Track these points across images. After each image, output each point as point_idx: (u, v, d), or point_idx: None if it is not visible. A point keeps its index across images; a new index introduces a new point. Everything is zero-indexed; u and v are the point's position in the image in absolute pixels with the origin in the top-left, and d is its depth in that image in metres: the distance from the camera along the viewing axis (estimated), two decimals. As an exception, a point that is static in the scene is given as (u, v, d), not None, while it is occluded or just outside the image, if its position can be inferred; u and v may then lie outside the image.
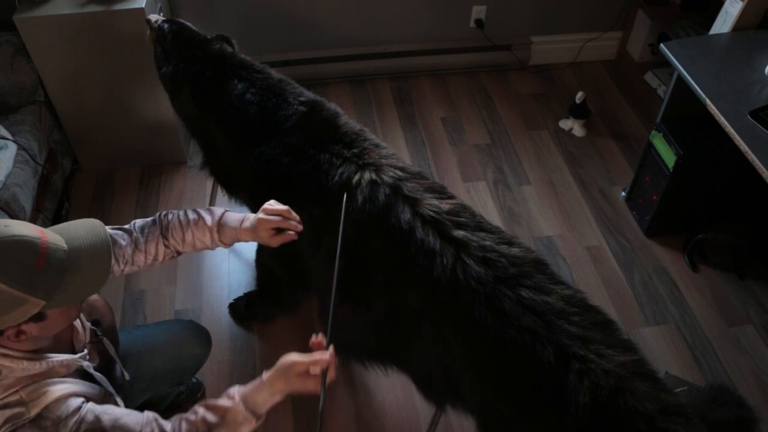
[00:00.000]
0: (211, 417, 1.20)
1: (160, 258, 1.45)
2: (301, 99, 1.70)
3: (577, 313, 1.23)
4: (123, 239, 1.38)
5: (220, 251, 2.43)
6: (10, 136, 2.25)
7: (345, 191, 1.45)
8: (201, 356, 1.74)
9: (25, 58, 2.38)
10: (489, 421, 1.39)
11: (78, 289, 1.10)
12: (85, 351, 1.28)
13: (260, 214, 1.41)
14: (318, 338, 1.20)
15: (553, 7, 3.21)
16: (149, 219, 1.45)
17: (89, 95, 2.50)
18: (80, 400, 1.13)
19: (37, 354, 1.13)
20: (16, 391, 1.09)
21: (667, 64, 2.27)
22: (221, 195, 2.21)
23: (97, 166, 2.76)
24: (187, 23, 1.90)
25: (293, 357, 1.19)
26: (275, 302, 2.11)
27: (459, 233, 1.34)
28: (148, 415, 1.19)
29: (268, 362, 1.28)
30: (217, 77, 1.75)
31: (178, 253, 1.48)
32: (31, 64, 2.39)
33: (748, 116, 1.87)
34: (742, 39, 2.20)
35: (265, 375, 1.21)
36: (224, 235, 1.45)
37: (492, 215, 2.59)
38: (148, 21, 1.95)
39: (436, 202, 1.40)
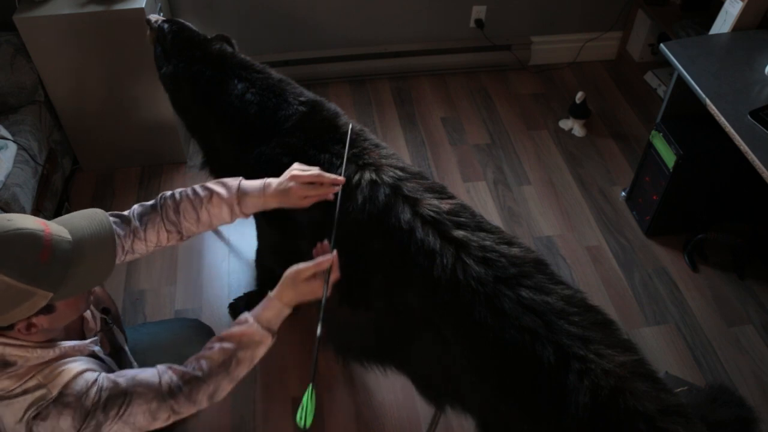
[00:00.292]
0: (227, 345, 1.23)
1: (164, 243, 1.40)
2: (301, 99, 1.70)
3: (577, 313, 1.23)
4: (121, 229, 1.34)
5: (220, 251, 2.43)
6: (10, 136, 2.25)
7: (344, 190, 1.45)
8: None
9: (25, 58, 2.38)
10: (489, 421, 1.39)
11: (84, 280, 1.10)
12: (97, 337, 1.29)
13: (291, 182, 1.36)
14: (323, 243, 1.28)
15: (553, 7, 3.21)
16: (149, 204, 1.39)
17: (89, 95, 2.50)
18: (95, 373, 1.15)
19: (49, 343, 1.14)
20: (33, 376, 1.10)
21: (667, 64, 2.27)
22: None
23: (97, 166, 2.76)
24: (187, 23, 1.90)
25: (298, 266, 1.25)
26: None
27: (459, 233, 1.34)
28: (160, 366, 1.21)
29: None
30: (217, 77, 1.75)
31: (186, 237, 1.42)
32: (31, 64, 2.39)
33: (748, 116, 1.87)
34: (742, 39, 2.20)
35: (272, 292, 1.27)
36: (246, 205, 1.39)
37: (492, 215, 2.60)
38: (148, 21, 1.94)
39: (436, 202, 1.40)
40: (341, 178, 1.41)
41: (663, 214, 2.43)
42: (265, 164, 1.64)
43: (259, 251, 2.08)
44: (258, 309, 1.27)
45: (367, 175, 1.46)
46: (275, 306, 1.26)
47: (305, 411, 1.14)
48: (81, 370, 1.14)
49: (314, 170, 1.39)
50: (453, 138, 2.97)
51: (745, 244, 2.35)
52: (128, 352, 1.44)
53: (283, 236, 1.79)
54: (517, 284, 1.27)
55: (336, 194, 1.39)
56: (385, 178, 1.45)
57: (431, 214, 1.37)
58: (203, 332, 1.73)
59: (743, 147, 1.80)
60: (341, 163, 1.49)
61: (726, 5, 2.25)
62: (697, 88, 2.00)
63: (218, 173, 1.97)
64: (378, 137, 1.67)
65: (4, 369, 1.08)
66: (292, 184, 1.36)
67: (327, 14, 3.04)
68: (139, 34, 2.27)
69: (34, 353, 1.10)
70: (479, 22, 3.18)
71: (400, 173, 1.47)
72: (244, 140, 1.69)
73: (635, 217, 2.58)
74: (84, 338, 1.28)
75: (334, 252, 1.27)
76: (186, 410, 1.20)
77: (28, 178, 2.23)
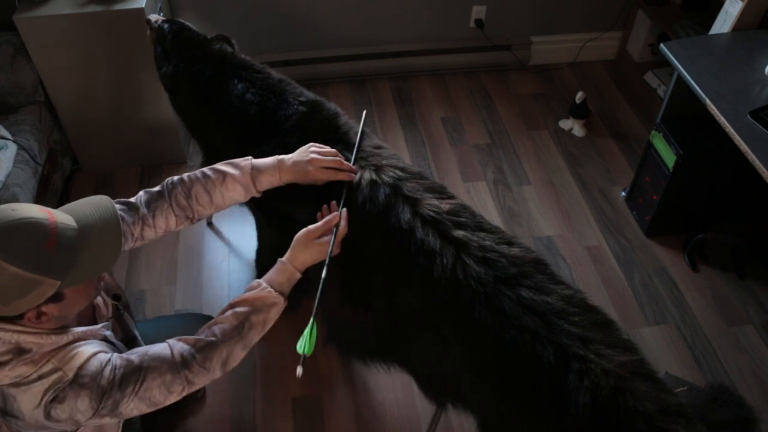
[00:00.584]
0: (240, 309, 1.25)
1: (172, 228, 1.41)
2: (301, 99, 1.70)
3: (577, 313, 1.23)
4: (129, 216, 1.35)
5: (220, 251, 2.43)
6: (10, 136, 2.25)
7: (346, 190, 1.45)
8: None
9: (25, 58, 2.38)
10: (489, 421, 1.39)
11: (91, 266, 1.10)
12: (109, 323, 1.30)
13: (310, 165, 1.41)
14: (332, 204, 1.34)
15: (553, 7, 3.21)
16: (155, 190, 1.40)
17: (89, 95, 2.50)
18: (108, 354, 1.17)
19: (62, 329, 1.15)
20: (48, 361, 1.12)
21: (667, 64, 2.27)
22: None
23: (97, 166, 2.76)
24: (187, 23, 1.90)
25: (307, 228, 1.30)
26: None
27: (459, 233, 1.34)
28: (170, 339, 1.22)
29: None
30: (217, 77, 1.75)
31: (196, 220, 1.44)
32: (31, 64, 2.39)
33: (748, 116, 1.87)
34: (742, 39, 2.20)
35: (284, 257, 1.30)
36: (261, 183, 1.42)
37: (492, 215, 2.60)
38: (148, 21, 1.95)
39: (436, 202, 1.40)
40: (354, 168, 1.48)
41: (663, 214, 2.43)
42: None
43: (259, 251, 2.08)
44: (270, 274, 1.30)
45: (367, 175, 1.46)
46: (287, 269, 1.29)
47: (305, 340, 1.21)
48: (94, 351, 1.15)
49: (332, 152, 1.45)
50: (453, 138, 2.97)
51: (745, 244, 2.35)
52: (140, 340, 1.45)
53: (283, 236, 1.78)
54: (517, 284, 1.27)
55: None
56: (385, 178, 1.45)
57: (431, 214, 1.37)
58: None
59: (743, 147, 1.80)
60: (352, 153, 1.53)
61: (726, 5, 2.25)
62: (697, 88, 2.00)
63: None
64: (378, 137, 1.67)
65: (19, 356, 1.09)
66: (311, 167, 1.41)
67: (327, 14, 3.04)
68: (139, 34, 2.27)
69: (48, 339, 1.11)
70: (479, 22, 3.18)
71: (400, 173, 1.47)
72: (244, 140, 1.69)
73: (635, 217, 2.58)
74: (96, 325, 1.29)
75: (344, 210, 1.33)
76: (200, 379, 1.21)
77: (28, 178, 2.23)
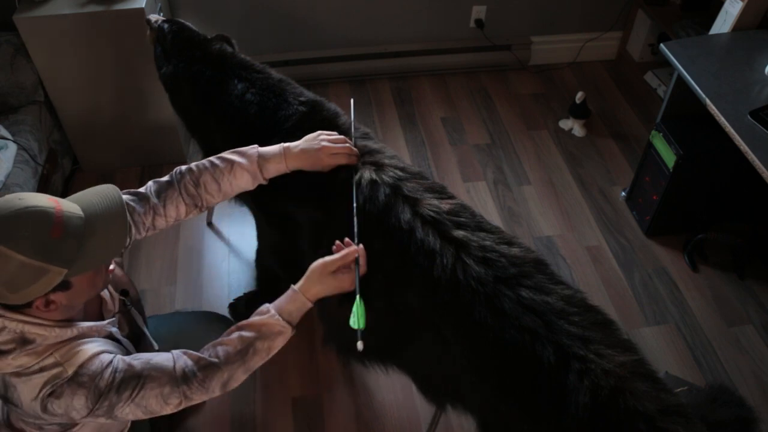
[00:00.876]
0: (246, 333, 1.25)
1: (182, 216, 1.43)
2: (301, 99, 1.70)
3: (577, 313, 1.23)
4: (140, 206, 1.36)
5: (220, 251, 2.43)
6: (10, 136, 2.25)
7: (346, 190, 1.45)
8: None
9: (25, 58, 2.38)
10: (489, 421, 1.39)
11: (98, 255, 1.11)
12: (115, 318, 1.30)
13: (323, 142, 1.44)
14: (345, 241, 1.32)
15: (553, 7, 3.21)
16: (164, 180, 1.41)
17: (89, 95, 2.50)
18: (111, 355, 1.17)
19: (67, 322, 1.16)
20: (51, 354, 1.12)
21: (667, 64, 2.27)
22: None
23: (97, 166, 2.76)
24: (187, 23, 1.90)
25: (324, 259, 1.28)
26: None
27: (459, 233, 1.34)
28: (176, 351, 1.22)
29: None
30: (217, 77, 1.75)
31: (205, 208, 1.46)
32: (31, 64, 2.39)
33: (748, 116, 1.87)
34: (742, 39, 2.20)
35: (296, 286, 1.29)
36: (268, 170, 1.44)
37: (492, 215, 2.60)
38: (148, 21, 1.95)
39: (436, 202, 1.40)
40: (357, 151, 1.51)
41: (663, 214, 2.43)
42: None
43: (259, 251, 2.08)
44: (281, 301, 1.29)
45: (367, 175, 1.46)
46: (299, 299, 1.28)
47: (356, 317, 1.23)
48: (97, 351, 1.16)
49: (342, 138, 1.48)
50: (453, 138, 2.97)
51: (745, 244, 2.35)
52: (148, 336, 1.45)
53: (283, 236, 1.79)
54: (517, 284, 1.26)
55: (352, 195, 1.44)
56: (385, 177, 1.45)
57: (431, 214, 1.37)
58: (228, 326, 1.76)
59: (743, 147, 1.80)
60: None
61: (726, 5, 2.25)
62: (697, 88, 2.00)
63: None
64: (378, 137, 1.67)
65: (23, 346, 1.10)
66: (322, 154, 1.43)
67: (327, 14, 3.04)
68: (139, 34, 2.27)
69: (52, 332, 1.12)
70: (479, 22, 3.18)
71: (400, 173, 1.47)
72: (244, 140, 1.68)
73: (635, 217, 2.58)
74: (102, 320, 1.29)
75: (360, 245, 1.32)
76: (198, 397, 1.21)
77: (28, 178, 2.23)
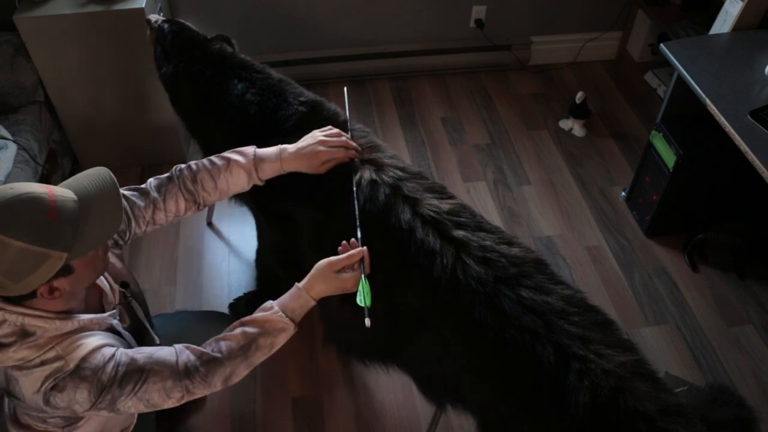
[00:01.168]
0: (249, 329, 1.25)
1: (182, 213, 1.44)
2: (301, 99, 1.70)
3: (577, 313, 1.23)
4: (141, 201, 1.38)
5: (220, 251, 2.43)
6: (10, 136, 2.25)
7: (346, 191, 1.45)
8: None
9: (25, 58, 2.38)
10: (489, 421, 1.39)
11: (95, 236, 1.11)
12: (115, 310, 1.30)
13: (320, 146, 1.44)
14: (351, 242, 1.33)
15: (553, 7, 3.21)
16: (164, 176, 1.43)
17: (89, 95, 2.50)
18: (113, 348, 1.17)
19: (68, 314, 1.16)
20: (52, 347, 1.12)
21: (667, 64, 2.27)
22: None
23: (97, 165, 2.75)
24: (187, 23, 1.90)
25: (329, 259, 1.29)
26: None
27: (459, 233, 1.34)
28: (178, 345, 1.22)
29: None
30: (217, 77, 1.75)
31: (203, 206, 1.48)
32: (31, 64, 2.39)
33: (748, 116, 1.87)
34: (742, 39, 2.20)
35: (300, 283, 1.29)
36: (264, 171, 1.45)
37: (492, 215, 2.60)
38: (148, 21, 1.95)
39: (436, 202, 1.40)
40: (358, 147, 1.52)
41: (663, 214, 2.43)
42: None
43: (259, 251, 2.08)
44: (284, 298, 1.29)
45: (367, 175, 1.46)
46: (302, 297, 1.29)
47: (362, 295, 1.25)
48: (99, 344, 1.16)
49: (336, 131, 1.50)
50: (453, 138, 2.97)
51: (745, 244, 2.35)
52: (150, 329, 1.45)
53: (283, 236, 1.79)
54: (517, 284, 1.27)
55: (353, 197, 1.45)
56: (385, 177, 1.45)
57: (431, 214, 1.37)
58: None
59: (743, 147, 1.80)
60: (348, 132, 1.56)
61: (726, 5, 2.25)
62: (697, 88, 2.00)
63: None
64: (378, 137, 1.67)
65: (23, 339, 1.10)
66: (321, 148, 1.44)
67: (327, 14, 3.04)
68: (139, 34, 2.27)
69: (52, 324, 1.12)
70: (479, 22, 3.18)
71: (400, 173, 1.47)
72: (244, 140, 1.68)
73: (635, 217, 2.58)
74: (103, 312, 1.29)
75: (364, 247, 1.32)
76: (200, 391, 1.21)
77: (28, 178, 2.23)
